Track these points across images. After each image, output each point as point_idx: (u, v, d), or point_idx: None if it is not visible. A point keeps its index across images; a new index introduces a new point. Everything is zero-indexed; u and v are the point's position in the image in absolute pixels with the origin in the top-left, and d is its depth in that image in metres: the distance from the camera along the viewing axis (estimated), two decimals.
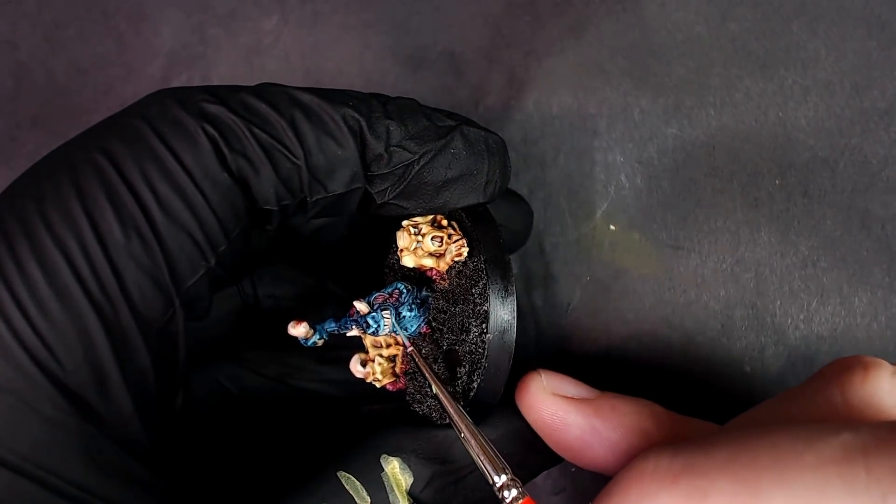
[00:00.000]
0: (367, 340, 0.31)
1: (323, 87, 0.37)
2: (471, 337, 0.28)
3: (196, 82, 0.43)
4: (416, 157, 0.26)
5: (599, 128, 0.36)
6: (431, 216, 0.29)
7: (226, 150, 0.23)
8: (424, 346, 0.30)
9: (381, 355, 0.30)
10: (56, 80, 0.45)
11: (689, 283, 0.34)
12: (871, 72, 0.32)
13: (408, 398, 0.31)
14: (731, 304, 0.34)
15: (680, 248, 0.35)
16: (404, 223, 0.29)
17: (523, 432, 0.27)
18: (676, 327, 0.35)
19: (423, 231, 0.29)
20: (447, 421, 0.28)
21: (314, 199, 0.26)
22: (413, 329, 0.29)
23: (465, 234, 0.29)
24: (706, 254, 0.34)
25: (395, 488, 0.26)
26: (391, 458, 0.27)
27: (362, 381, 0.31)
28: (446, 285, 0.30)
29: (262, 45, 0.41)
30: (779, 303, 0.33)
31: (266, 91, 0.25)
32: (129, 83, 0.44)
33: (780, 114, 0.33)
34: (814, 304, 0.33)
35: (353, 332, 0.29)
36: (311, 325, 0.29)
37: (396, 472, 0.26)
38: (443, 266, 0.29)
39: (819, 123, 0.33)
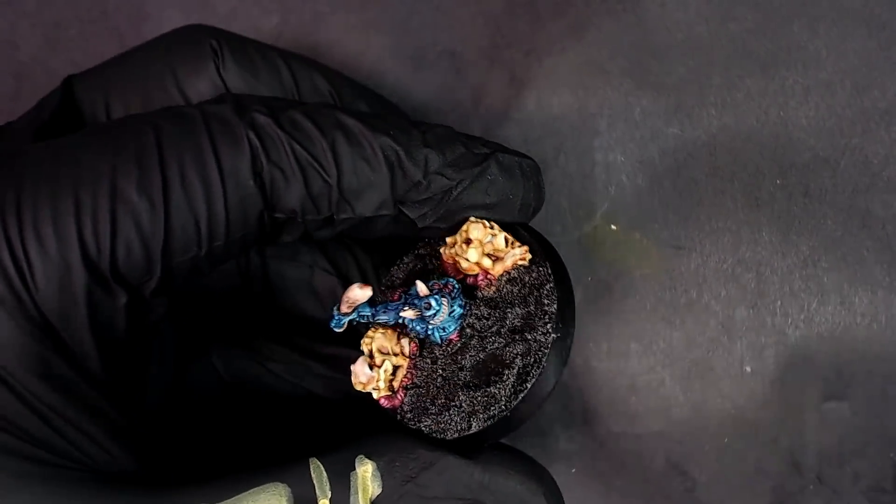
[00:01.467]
0: (375, 345, 0.30)
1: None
2: (532, 336, 0.27)
3: None
4: (455, 183, 0.27)
5: (600, 128, 0.36)
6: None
7: (263, 159, 0.25)
8: (436, 354, 0.29)
9: (388, 362, 0.29)
10: (56, 80, 0.45)
11: (690, 283, 0.34)
12: (871, 72, 0.32)
13: (399, 416, 0.29)
14: (732, 303, 0.34)
15: (681, 248, 0.35)
16: (473, 217, 0.29)
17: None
18: (678, 327, 0.35)
19: (495, 230, 0.29)
20: (449, 437, 0.27)
21: (341, 217, 0.27)
22: (451, 329, 0.29)
23: (525, 243, 0.29)
24: (707, 254, 0.34)
25: (360, 493, 0.26)
26: (367, 460, 0.26)
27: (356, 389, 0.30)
28: (492, 291, 0.29)
29: None
30: (779, 303, 0.33)
31: (316, 111, 0.26)
32: None
33: (781, 113, 0.33)
34: (814, 303, 0.33)
35: (383, 318, 0.29)
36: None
37: (367, 477, 0.26)
38: (498, 270, 0.29)
39: (820, 123, 0.33)
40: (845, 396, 0.33)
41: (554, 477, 0.37)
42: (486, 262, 0.29)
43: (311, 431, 0.32)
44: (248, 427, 0.32)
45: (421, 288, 0.29)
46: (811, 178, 0.33)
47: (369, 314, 0.29)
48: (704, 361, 0.34)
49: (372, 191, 0.27)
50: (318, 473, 0.26)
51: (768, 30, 0.34)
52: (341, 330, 0.29)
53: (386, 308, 0.29)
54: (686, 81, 0.35)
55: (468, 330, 0.29)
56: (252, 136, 0.25)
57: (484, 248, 0.29)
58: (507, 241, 0.29)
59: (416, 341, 0.30)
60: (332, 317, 0.29)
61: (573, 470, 0.37)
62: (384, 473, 0.26)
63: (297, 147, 0.25)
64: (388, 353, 0.29)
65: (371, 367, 0.29)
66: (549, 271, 0.28)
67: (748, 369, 0.34)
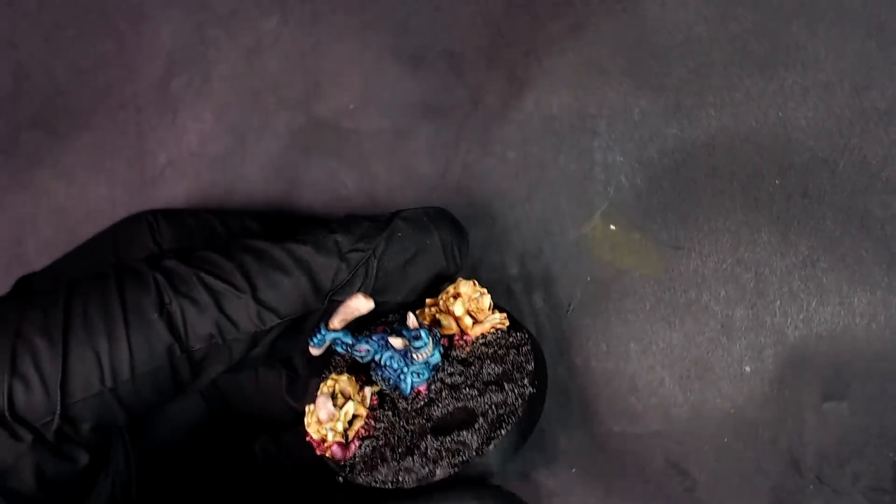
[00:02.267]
0: (338, 387, 0.30)
1: (322, 89, 0.38)
2: (510, 387, 0.28)
3: (196, 82, 0.43)
4: (370, 251, 0.29)
5: (599, 128, 0.36)
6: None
7: (170, 293, 0.27)
8: (399, 408, 0.29)
9: (351, 404, 0.29)
10: (56, 80, 0.45)
11: (689, 284, 0.34)
12: (870, 72, 0.32)
13: (347, 469, 0.28)
14: (732, 304, 0.34)
15: (680, 249, 0.35)
16: (463, 280, 0.31)
17: None
18: (677, 327, 0.35)
19: (483, 290, 0.31)
20: (407, 486, 0.27)
21: (267, 325, 0.28)
22: (424, 377, 0.29)
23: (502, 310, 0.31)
24: (706, 254, 0.34)
25: None
26: None
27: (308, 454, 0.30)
28: (465, 352, 0.30)
29: (262, 45, 0.41)
30: (778, 303, 0.33)
31: (224, 244, 0.29)
32: (129, 83, 0.44)
33: (780, 114, 0.33)
34: (813, 304, 0.33)
35: (365, 346, 0.29)
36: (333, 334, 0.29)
37: None
38: (476, 332, 0.30)
39: (819, 124, 0.33)
40: (845, 396, 0.33)
41: (554, 477, 0.37)
42: (467, 321, 0.30)
43: None
44: None
45: (411, 320, 0.29)
46: (810, 178, 0.33)
47: (350, 342, 0.29)
48: (704, 361, 0.34)
49: (292, 292, 0.28)
50: None
51: (767, 30, 0.34)
52: (319, 351, 0.30)
53: (369, 338, 0.29)
54: (685, 82, 0.35)
55: (437, 384, 0.29)
56: (158, 276, 0.27)
57: (469, 305, 0.30)
58: (490, 305, 0.30)
59: (377, 396, 0.30)
60: (316, 333, 0.30)
61: (573, 470, 0.37)
62: None
63: (205, 276, 0.27)
64: (349, 398, 0.29)
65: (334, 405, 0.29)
66: (528, 335, 0.30)
67: (747, 369, 0.34)
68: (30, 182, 0.45)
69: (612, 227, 0.36)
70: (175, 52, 0.43)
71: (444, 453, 0.27)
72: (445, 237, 0.31)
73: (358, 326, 0.31)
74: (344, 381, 0.29)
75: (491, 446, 0.26)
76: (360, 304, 0.29)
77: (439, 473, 0.26)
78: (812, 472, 0.33)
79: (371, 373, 0.30)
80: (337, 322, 0.29)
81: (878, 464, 0.33)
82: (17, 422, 0.24)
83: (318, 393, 0.29)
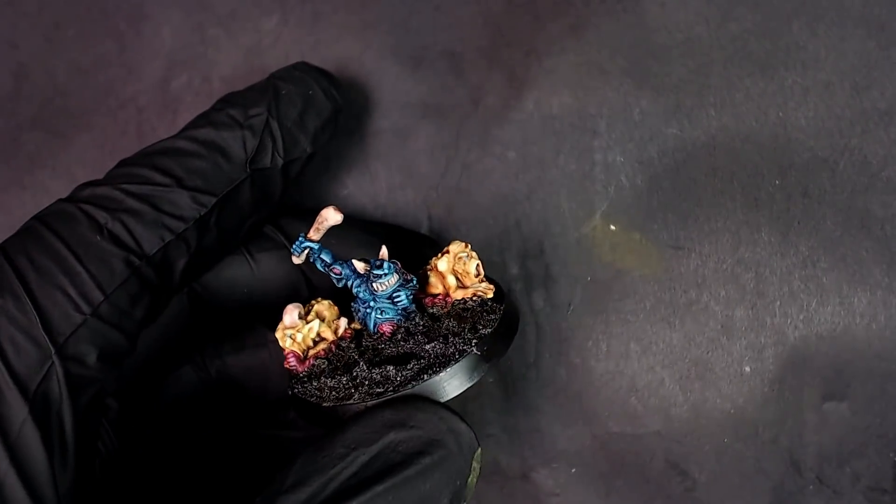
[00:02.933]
0: (316, 307, 0.31)
1: None
2: (454, 341, 0.28)
3: (196, 82, 0.42)
4: (265, 114, 0.31)
5: (599, 128, 0.36)
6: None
7: (104, 216, 0.27)
8: (362, 343, 0.31)
9: (316, 323, 0.31)
10: (56, 80, 0.45)
11: (689, 284, 0.34)
12: (870, 72, 0.32)
13: (293, 382, 0.30)
14: (732, 304, 0.34)
15: (681, 249, 0.35)
16: (457, 241, 0.32)
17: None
18: (677, 328, 0.35)
19: (473, 254, 0.31)
20: (325, 404, 0.28)
21: (209, 206, 0.29)
22: (388, 316, 0.30)
23: (495, 288, 0.31)
24: (707, 254, 0.34)
25: None
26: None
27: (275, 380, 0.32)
28: (440, 311, 0.31)
29: (262, 45, 0.41)
30: (779, 303, 0.33)
31: (129, 159, 0.30)
32: (129, 83, 0.44)
33: (781, 114, 0.33)
34: (813, 304, 0.33)
35: (338, 269, 0.31)
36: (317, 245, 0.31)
37: None
38: (458, 294, 0.31)
39: (819, 124, 0.33)
40: (845, 396, 0.33)
41: (554, 477, 0.37)
42: (451, 281, 0.31)
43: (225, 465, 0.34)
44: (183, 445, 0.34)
45: (383, 251, 0.31)
46: (810, 178, 0.33)
47: (329, 261, 0.31)
48: (704, 361, 0.34)
49: (213, 171, 0.29)
50: None
51: (768, 30, 0.34)
52: (298, 259, 0.31)
53: (344, 262, 0.31)
54: (685, 82, 0.34)
55: (403, 331, 0.30)
56: (82, 205, 0.27)
57: (455, 265, 0.31)
58: (478, 271, 0.31)
59: (352, 331, 0.31)
60: (297, 240, 0.31)
61: (573, 470, 0.37)
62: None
63: (127, 186, 0.28)
64: (322, 321, 0.31)
65: (300, 317, 0.30)
66: (501, 314, 0.29)
67: (748, 369, 0.34)
68: (30, 182, 0.45)
69: (613, 227, 0.36)
70: (175, 52, 0.43)
71: (367, 382, 0.28)
72: (322, 83, 0.34)
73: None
74: (324, 306, 0.31)
75: (409, 387, 0.27)
76: (328, 215, 0.30)
77: (356, 397, 0.27)
78: (812, 472, 0.33)
79: (351, 305, 0.32)
80: (312, 232, 0.31)
81: (879, 464, 0.33)
82: (13, 377, 0.24)
83: (293, 305, 0.31)
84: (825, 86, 0.33)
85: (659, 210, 0.35)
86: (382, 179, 0.39)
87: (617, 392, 0.36)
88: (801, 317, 0.33)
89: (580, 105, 0.36)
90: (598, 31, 0.36)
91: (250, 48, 0.42)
